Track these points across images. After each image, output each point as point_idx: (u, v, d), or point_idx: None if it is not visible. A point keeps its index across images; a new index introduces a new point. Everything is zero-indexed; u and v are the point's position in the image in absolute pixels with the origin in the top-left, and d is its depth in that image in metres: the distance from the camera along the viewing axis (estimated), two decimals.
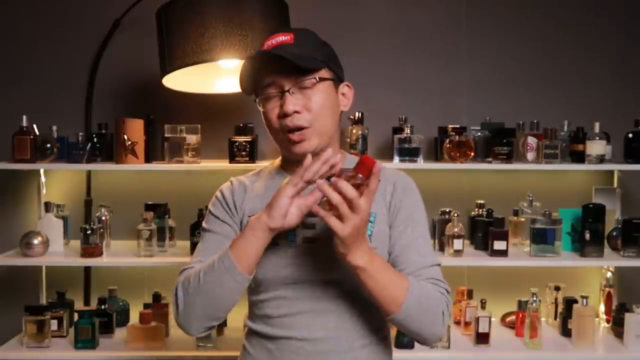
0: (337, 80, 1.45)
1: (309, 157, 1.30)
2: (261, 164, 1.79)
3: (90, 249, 2.38)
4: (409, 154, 2.43)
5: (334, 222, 1.21)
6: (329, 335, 1.38)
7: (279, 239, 1.39)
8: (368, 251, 1.28)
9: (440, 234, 2.47)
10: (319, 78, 1.40)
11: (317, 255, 1.39)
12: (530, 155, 2.49)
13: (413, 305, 1.30)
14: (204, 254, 1.42)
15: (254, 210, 1.43)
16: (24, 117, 2.41)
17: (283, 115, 1.38)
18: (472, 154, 2.45)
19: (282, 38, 1.41)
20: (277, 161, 1.55)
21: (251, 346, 1.46)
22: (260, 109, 1.44)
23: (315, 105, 1.39)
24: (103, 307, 2.45)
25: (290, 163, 1.48)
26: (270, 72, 1.40)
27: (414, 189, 1.48)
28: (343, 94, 1.47)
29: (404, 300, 1.29)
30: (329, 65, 1.42)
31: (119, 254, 2.48)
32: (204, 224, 1.50)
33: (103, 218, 2.51)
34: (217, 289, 1.32)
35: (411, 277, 1.35)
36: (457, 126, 2.47)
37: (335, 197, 1.20)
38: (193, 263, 1.43)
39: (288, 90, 1.38)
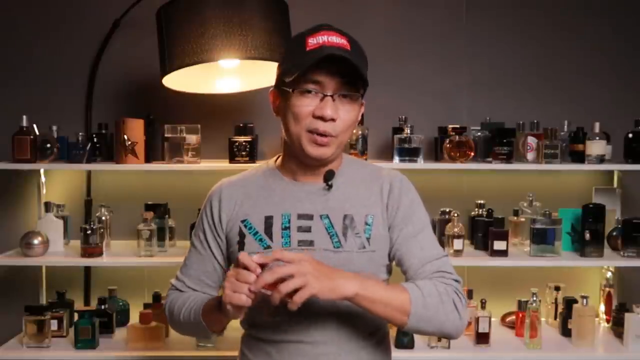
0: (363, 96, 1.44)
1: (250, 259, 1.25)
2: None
3: (90, 249, 2.38)
4: (409, 154, 2.43)
5: (300, 292, 1.21)
6: (328, 338, 1.38)
7: (272, 244, 1.39)
8: (352, 277, 1.28)
9: (440, 234, 2.47)
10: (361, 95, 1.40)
11: (313, 257, 1.38)
12: (530, 155, 2.49)
13: (420, 310, 1.31)
14: (188, 268, 1.52)
15: (248, 213, 1.44)
16: (24, 117, 2.40)
17: (319, 117, 1.36)
18: (472, 154, 2.45)
19: (337, 40, 1.36)
20: (272, 161, 1.53)
21: (249, 350, 1.46)
22: (291, 101, 1.38)
23: (348, 118, 1.39)
24: (103, 307, 2.45)
25: (292, 163, 1.47)
26: (319, 69, 1.34)
27: (409, 187, 1.49)
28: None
29: (410, 309, 1.30)
30: (365, 82, 1.40)
31: (119, 254, 2.48)
32: (194, 232, 1.54)
33: (103, 218, 2.51)
34: (195, 332, 1.51)
35: (410, 282, 1.36)
36: (457, 126, 2.47)
37: (275, 276, 1.21)
38: (181, 277, 1.52)
39: (332, 96, 1.36)
